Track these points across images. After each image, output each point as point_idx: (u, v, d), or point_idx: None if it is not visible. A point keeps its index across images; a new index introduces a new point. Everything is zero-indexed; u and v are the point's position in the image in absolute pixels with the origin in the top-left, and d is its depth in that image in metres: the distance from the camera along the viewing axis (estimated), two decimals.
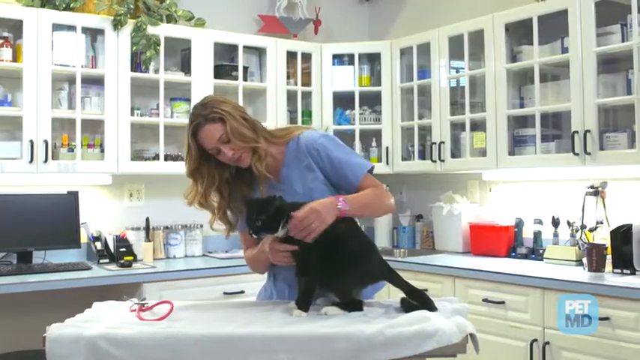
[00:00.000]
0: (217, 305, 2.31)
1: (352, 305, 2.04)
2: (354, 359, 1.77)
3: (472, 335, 1.85)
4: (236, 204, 2.29)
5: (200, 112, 2.19)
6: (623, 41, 3.42)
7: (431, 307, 1.99)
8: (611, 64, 3.56)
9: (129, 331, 1.84)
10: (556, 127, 3.89)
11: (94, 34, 4.02)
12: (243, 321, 1.96)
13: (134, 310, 2.05)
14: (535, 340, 3.30)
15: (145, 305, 2.08)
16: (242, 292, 3.67)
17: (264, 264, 2.30)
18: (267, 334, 1.81)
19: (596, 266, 3.32)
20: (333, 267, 2.03)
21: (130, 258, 3.95)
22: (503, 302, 3.47)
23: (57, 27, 3.84)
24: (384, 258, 2.16)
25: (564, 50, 3.66)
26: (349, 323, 1.89)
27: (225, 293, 3.80)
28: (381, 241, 4.87)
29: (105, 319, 1.98)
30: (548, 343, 3.25)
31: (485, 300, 3.54)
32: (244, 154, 2.20)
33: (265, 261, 2.24)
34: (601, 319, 3.00)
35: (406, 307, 2.02)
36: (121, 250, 4.00)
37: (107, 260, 3.99)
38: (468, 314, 2.03)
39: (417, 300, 2.04)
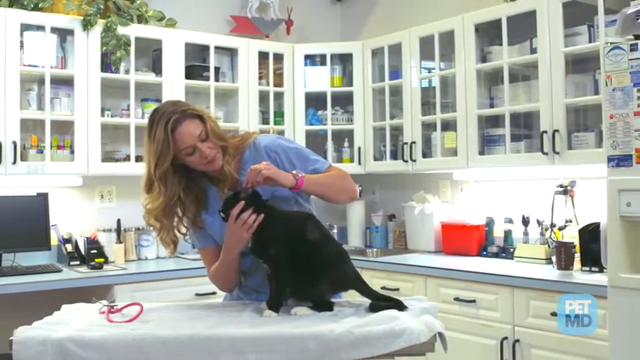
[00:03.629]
0: (187, 306, 2.31)
1: (322, 305, 2.05)
2: (324, 359, 1.77)
3: (441, 334, 1.86)
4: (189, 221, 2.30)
5: (174, 109, 2.10)
6: (590, 42, 3.46)
7: (400, 306, 2.00)
8: (578, 65, 3.60)
9: (97, 333, 1.83)
10: (526, 127, 3.93)
11: (63, 35, 3.99)
12: (213, 322, 1.96)
13: (103, 312, 2.04)
14: (505, 338, 3.34)
15: (114, 307, 2.07)
16: (214, 293, 3.63)
17: (227, 273, 2.24)
18: (236, 334, 1.81)
19: (565, 264, 3.36)
20: (305, 275, 2.04)
21: (101, 260, 3.94)
22: (474, 301, 3.50)
23: (25, 27, 3.80)
24: (357, 258, 2.16)
25: (533, 51, 3.70)
26: (319, 323, 1.89)
27: (197, 294, 3.78)
28: (354, 240, 4.89)
29: (73, 321, 1.97)
30: (518, 340, 3.29)
31: (456, 299, 3.57)
32: (218, 154, 2.16)
33: (228, 266, 2.20)
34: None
35: (375, 308, 2.01)
36: (92, 252, 3.98)
37: (78, 262, 3.95)
38: (437, 313, 2.04)
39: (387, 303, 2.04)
